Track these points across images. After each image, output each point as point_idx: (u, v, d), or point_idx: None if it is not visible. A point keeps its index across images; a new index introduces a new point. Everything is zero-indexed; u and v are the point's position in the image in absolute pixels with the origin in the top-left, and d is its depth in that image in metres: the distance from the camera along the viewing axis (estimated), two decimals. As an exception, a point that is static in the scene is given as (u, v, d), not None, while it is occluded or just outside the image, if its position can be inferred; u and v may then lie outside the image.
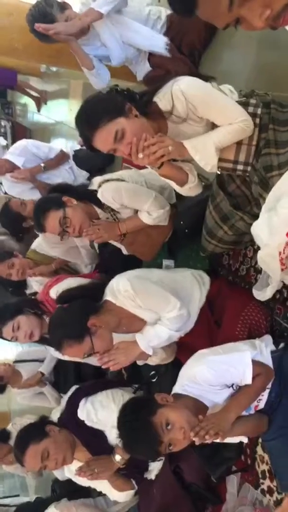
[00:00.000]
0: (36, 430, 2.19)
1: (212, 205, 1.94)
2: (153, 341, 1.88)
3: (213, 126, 1.68)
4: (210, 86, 1.70)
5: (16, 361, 3.28)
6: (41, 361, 3.19)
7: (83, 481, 2.30)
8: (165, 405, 1.54)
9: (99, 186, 2.13)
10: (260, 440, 1.93)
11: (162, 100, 1.64)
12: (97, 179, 2.19)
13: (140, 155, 1.56)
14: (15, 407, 5.85)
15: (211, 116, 1.64)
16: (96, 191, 2.15)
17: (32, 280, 3.19)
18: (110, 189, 2.09)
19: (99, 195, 2.13)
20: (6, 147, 5.12)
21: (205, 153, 1.63)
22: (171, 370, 2.11)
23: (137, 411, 1.56)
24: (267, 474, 1.91)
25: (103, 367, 1.89)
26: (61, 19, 2.50)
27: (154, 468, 2.25)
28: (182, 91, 1.59)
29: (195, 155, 1.64)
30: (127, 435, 1.56)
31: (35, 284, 3.17)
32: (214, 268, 2.31)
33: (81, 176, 3.67)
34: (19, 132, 6.20)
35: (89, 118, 1.59)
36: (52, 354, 2.88)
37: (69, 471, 2.33)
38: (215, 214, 1.93)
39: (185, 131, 1.70)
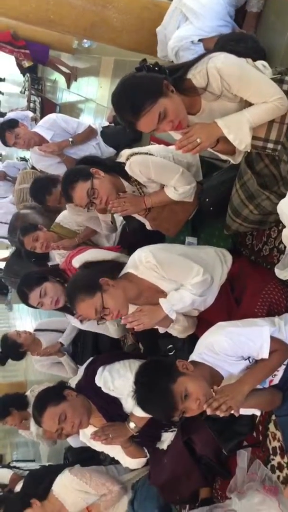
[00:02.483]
0: (55, 393, 2.27)
1: (239, 184, 1.94)
2: (176, 305, 1.91)
3: (246, 103, 1.68)
4: (245, 62, 1.69)
5: (37, 330, 3.37)
6: (61, 331, 3.27)
7: (97, 446, 2.37)
8: (185, 374, 1.58)
9: (127, 158, 2.14)
10: (272, 417, 1.96)
11: (196, 76, 1.65)
12: (125, 152, 2.20)
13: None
14: (32, 377, 6.01)
15: (245, 94, 1.63)
16: (124, 163, 2.17)
17: (55, 253, 3.25)
18: (138, 162, 2.10)
19: (126, 168, 2.14)
20: (35, 120, 5.14)
21: (239, 131, 1.63)
22: (188, 345, 2.15)
23: (158, 375, 1.60)
24: (278, 451, 1.94)
25: (127, 326, 1.94)
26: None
27: (167, 438, 2.30)
28: (218, 69, 1.59)
29: (228, 134, 1.64)
30: (144, 395, 1.60)
31: (57, 257, 3.23)
32: (237, 248, 2.32)
33: (107, 152, 3.68)
34: (48, 108, 6.22)
35: (132, 106, 1.61)
36: (72, 323, 2.94)
37: (84, 436, 2.41)
38: (241, 193, 1.93)
39: (218, 109, 1.71)
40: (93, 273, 1.97)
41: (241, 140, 1.65)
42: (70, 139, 3.60)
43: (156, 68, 1.67)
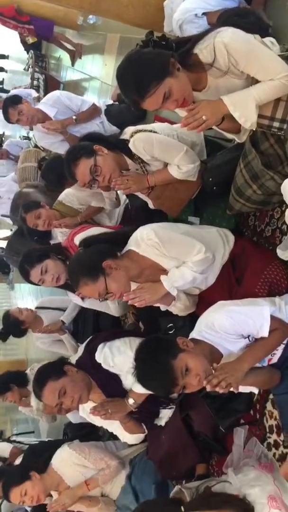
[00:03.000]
0: (55, 369, 2.30)
1: (243, 163, 1.92)
2: (177, 282, 1.92)
3: (253, 81, 1.66)
4: (253, 38, 1.66)
5: (38, 307, 3.39)
6: (63, 310, 3.29)
7: (96, 421, 2.41)
8: (185, 350, 1.59)
9: (131, 136, 2.12)
10: (270, 396, 1.98)
11: (203, 51, 1.62)
12: (129, 129, 2.18)
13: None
14: (32, 355, 6.08)
15: (252, 70, 1.61)
16: (127, 141, 2.15)
17: (57, 231, 3.25)
18: (142, 140, 2.09)
19: (130, 145, 2.13)
20: (38, 99, 5.09)
21: (245, 109, 1.61)
22: (188, 324, 2.16)
23: (159, 351, 1.61)
24: (275, 429, 1.97)
25: (129, 303, 1.96)
26: None
27: (165, 415, 2.34)
28: (225, 44, 1.57)
29: (234, 112, 1.62)
30: (145, 371, 1.62)
31: (60, 235, 3.23)
32: (239, 228, 2.31)
33: (111, 131, 3.64)
34: (52, 86, 6.14)
35: (137, 86, 1.59)
36: (73, 300, 2.95)
37: (84, 411, 2.44)
38: (245, 173, 1.92)
39: (224, 85, 1.68)
40: (96, 255, 1.97)
41: (247, 118, 1.64)
42: (74, 117, 3.57)
43: (163, 43, 1.64)
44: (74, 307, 3.22)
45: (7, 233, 6.58)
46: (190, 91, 1.67)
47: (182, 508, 1.76)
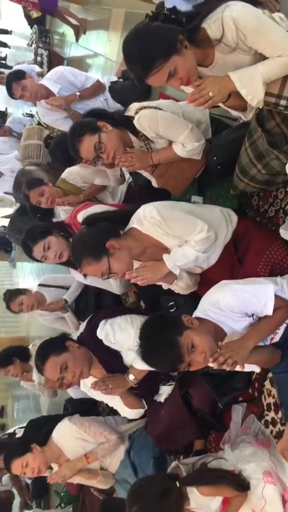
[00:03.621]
0: (57, 344, 2.33)
1: (248, 142, 1.91)
2: (180, 261, 1.93)
3: (261, 57, 1.63)
4: (262, 14, 1.63)
5: (41, 285, 3.41)
6: (66, 288, 3.31)
7: (96, 395, 2.45)
8: (191, 328, 1.60)
9: (136, 112, 2.10)
10: (269, 375, 2.01)
11: (211, 26, 1.58)
12: (134, 105, 2.16)
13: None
14: (33, 333, 6.14)
15: (260, 46, 1.58)
16: (132, 117, 2.13)
17: (60, 209, 3.24)
18: (147, 116, 2.07)
19: (135, 122, 2.11)
20: (42, 74, 5.02)
21: (252, 86, 1.59)
22: (190, 303, 2.18)
23: (164, 328, 1.62)
24: (272, 407, 2.00)
25: (132, 281, 1.97)
26: None
27: (165, 391, 2.38)
28: (234, 18, 1.54)
29: (241, 89, 1.60)
30: (150, 348, 1.63)
31: (62, 213, 3.23)
32: (243, 209, 2.31)
33: (115, 108, 3.59)
34: (55, 62, 6.05)
35: (142, 61, 1.57)
36: (76, 279, 2.97)
37: (85, 386, 2.48)
38: (250, 152, 1.91)
39: (231, 61, 1.66)
40: (99, 235, 1.97)
41: (254, 95, 1.61)
42: (78, 94, 3.52)
43: (173, 17, 1.61)
44: (77, 286, 3.24)
45: (10, 211, 6.57)
46: (195, 70, 1.64)
47: (177, 483, 1.81)
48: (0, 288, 9.07)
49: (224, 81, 1.62)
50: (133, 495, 1.86)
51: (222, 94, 1.63)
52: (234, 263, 2.03)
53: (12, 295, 3.32)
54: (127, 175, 2.77)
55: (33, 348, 3.54)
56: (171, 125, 2.07)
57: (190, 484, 1.85)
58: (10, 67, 7.76)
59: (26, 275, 7.44)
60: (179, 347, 1.54)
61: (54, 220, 3.43)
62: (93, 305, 3.22)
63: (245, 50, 1.62)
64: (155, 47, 1.54)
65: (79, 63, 5.72)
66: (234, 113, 1.89)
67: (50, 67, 5.83)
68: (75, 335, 2.62)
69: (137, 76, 1.62)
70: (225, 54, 1.65)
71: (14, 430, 4.06)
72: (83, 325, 2.56)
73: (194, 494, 1.86)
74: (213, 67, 1.71)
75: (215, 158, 2.18)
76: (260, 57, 1.64)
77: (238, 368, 1.57)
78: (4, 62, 9.96)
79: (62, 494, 3.63)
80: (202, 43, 1.62)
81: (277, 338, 1.69)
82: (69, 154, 2.33)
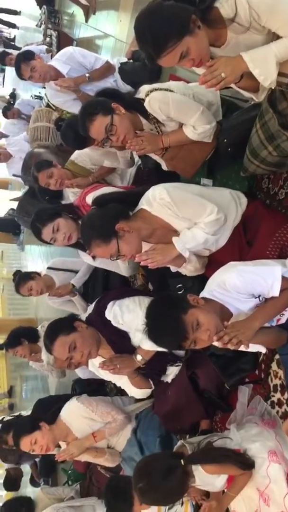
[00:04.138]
0: (66, 324, 2.36)
1: (260, 123, 1.89)
2: (189, 243, 1.93)
3: (274, 36, 1.60)
4: None
5: (50, 268, 3.43)
6: (75, 272, 3.33)
7: (105, 375, 2.48)
8: (196, 307, 1.62)
9: (147, 94, 2.09)
10: (276, 356, 2.02)
11: (224, 5, 1.55)
12: (145, 87, 2.14)
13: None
14: (41, 315, 6.20)
15: (274, 25, 1.55)
16: (143, 100, 2.11)
17: (68, 191, 3.25)
18: (157, 99, 2.05)
19: (146, 104, 2.09)
20: (51, 56, 4.98)
21: (265, 67, 1.56)
22: (198, 285, 2.19)
23: (170, 307, 1.64)
24: (279, 388, 2.02)
25: (142, 264, 1.98)
26: None
27: (172, 372, 2.40)
28: None
29: (253, 69, 1.57)
30: (156, 326, 1.65)
31: (71, 195, 3.23)
32: (253, 191, 2.30)
33: (125, 90, 3.57)
34: (64, 43, 5.96)
35: (154, 41, 1.54)
36: (84, 260, 2.98)
37: (93, 365, 2.51)
38: (261, 133, 1.89)
39: (244, 41, 1.63)
40: (109, 217, 1.98)
41: (267, 76, 1.58)
42: (87, 75, 3.49)
43: None
44: (85, 271, 3.26)
45: (18, 194, 6.58)
46: (208, 51, 1.62)
47: (182, 461, 1.84)
48: (9, 271, 9.16)
49: (237, 61, 1.59)
50: (139, 472, 1.90)
51: (235, 75, 1.61)
52: (243, 245, 2.03)
53: (22, 279, 3.32)
54: (136, 158, 2.77)
55: (41, 330, 3.59)
56: (182, 107, 2.05)
57: (195, 462, 1.88)
58: (18, 48, 7.69)
59: (35, 258, 7.47)
60: (184, 324, 1.56)
61: (63, 202, 3.44)
62: (101, 288, 3.24)
63: (259, 29, 1.59)
64: (168, 27, 1.52)
65: (89, 44, 5.66)
66: (246, 94, 1.87)
67: (59, 48, 5.76)
68: (83, 317, 2.65)
69: (149, 56, 1.60)
70: (238, 34, 1.62)
71: (20, 413, 4.14)
72: (91, 307, 2.59)
73: (199, 472, 1.89)
74: (225, 47, 1.68)
75: (225, 140, 2.17)
76: (273, 37, 1.61)
77: (242, 347, 1.59)
78: (12, 43, 9.88)
79: (70, 472, 3.70)
80: (215, 23, 1.59)
81: (283, 319, 1.69)
82: (81, 136, 2.32)
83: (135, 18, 1.62)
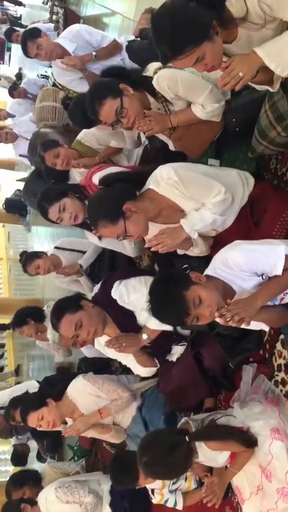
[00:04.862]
0: (72, 302, 2.39)
1: (269, 104, 1.87)
2: (197, 225, 1.94)
3: (284, 26, 1.56)
4: None
5: (57, 248, 3.45)
6: (82, 252, 3.35)
7: (110, 353, 2.52)
8: (198, 283, 1.63)
9: (155, 72, 2.06)
10: (280, 337, 2.04)
11: (233, 2, 1.51)
12: (153, 65, 2.11)
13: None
14: (48, 295, 6.24)
15: (285, 14, 1.51)
16: (151, 78, 2.09)
17: (75, 171, 3.24)
18: (166, 77, 2.02)
19: (154, 82, 2.07)
20: (57, 34, 4.91)
21: (280, 58, 1.51)
22: (203, 265, 2.19)
23: (172, 283, 1.66)
24: (283, 368, 2.04)
25: (152, 249, 1.99)
26: None
27: (177, 351, 2.43)
28: None
29: (269, 63, 1.52)
30: (158, 302, 1.67)
31: (78, 176, 3.22)
32: (260, 172, 2.29)
33: (132, 68, 3.53)
34: (71, 21, 5.88)
35: (172, 43, 1.47)
36: (90, 240, 2.99)
37: (99, 344, 2.55)
38: (270, 113, 1.87)
39: (257, 36, 1.59)
40: (116, 197, 1.97)
41: (284, 67, 1.53)
42: (94, 53, 3.43)
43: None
44: (93, 253, 3.28)
45: (25, 175, 6.57)
46: (221, 58, 1.57)
47: (187, 438, 1.88)
48: (15, 252, 9.20)
49: (252, 58, 1.54)
50: (144, 447, 1.95)
51: (252, 71, 1.56)
52: (250, 226, 2.03)
53: (29, 258, 3.36)
54: (143, 138, 2.75)
55: (47, 310, 3.62)
56: (190, 86, 2.03)
57: (199, 439, 1.92)
58: (25, 26, 7.59)
59: (41, 239, 7.49)
60: (186, 301, 1.57)
61: (70, 182, 3.43)
62: (107, 268, 3.26)
63: (270, 21, 1.54)
64: (190, 30, 1.46)
65: (96, 22, 5.57)
66: (260, 87, 1.82)
67: (65, 26, 5.68)
68: (89, 297, 2.68)
69: (163, 54, 1.55)
70: (251, 32, 1.57)
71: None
72: (97, 286, 2.61)
73: (203, 448, 1.94)
74: (237, 42, 1.63)
75: (233, 119, 2.15)
76: (283, 27, 1.57)
77: (243, 325, 1.60)
78: (19, 21, 9.75)
79: (76, 448, 3.78)
80: (227, 24, 1.55)
81: (287, 299, 1.71)
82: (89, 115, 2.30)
83: (156, 10, 1.55)
